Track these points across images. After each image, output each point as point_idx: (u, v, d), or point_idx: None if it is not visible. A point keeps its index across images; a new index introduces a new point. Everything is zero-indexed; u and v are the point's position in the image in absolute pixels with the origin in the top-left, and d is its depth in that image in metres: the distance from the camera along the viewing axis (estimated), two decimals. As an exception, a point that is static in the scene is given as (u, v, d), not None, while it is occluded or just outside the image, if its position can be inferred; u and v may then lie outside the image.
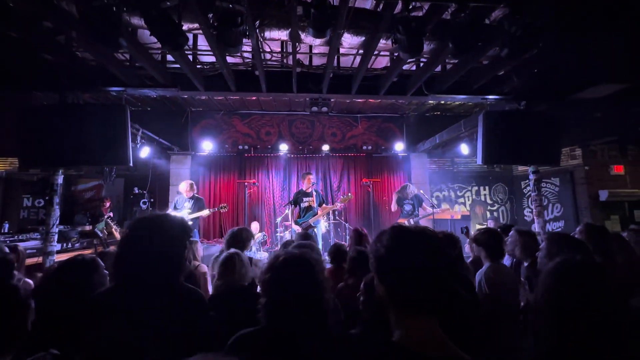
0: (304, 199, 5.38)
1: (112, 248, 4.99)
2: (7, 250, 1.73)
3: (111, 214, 6.12)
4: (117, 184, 7.28)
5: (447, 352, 0.75)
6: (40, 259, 3.55)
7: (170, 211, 5.26)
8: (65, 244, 4.29)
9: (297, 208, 5.34)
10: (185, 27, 2.96)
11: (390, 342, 0.77)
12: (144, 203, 6.58)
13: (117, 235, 5.13)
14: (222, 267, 1.98)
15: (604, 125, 5.97)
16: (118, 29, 2.14)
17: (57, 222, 3.61)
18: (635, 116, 5.50)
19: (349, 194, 6.04)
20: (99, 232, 4.49)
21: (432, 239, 0.81)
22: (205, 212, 5.42)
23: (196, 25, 2.78)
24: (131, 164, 3.65)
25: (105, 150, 3.53)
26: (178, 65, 3.63)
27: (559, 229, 7.89)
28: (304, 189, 5.41)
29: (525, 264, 2.43)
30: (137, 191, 6.68)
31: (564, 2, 2.77)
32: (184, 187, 5.48)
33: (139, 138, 5.42)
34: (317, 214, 5.31)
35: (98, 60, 3.43)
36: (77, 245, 4.41)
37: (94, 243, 4.60)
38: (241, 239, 2.61)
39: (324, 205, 5.46)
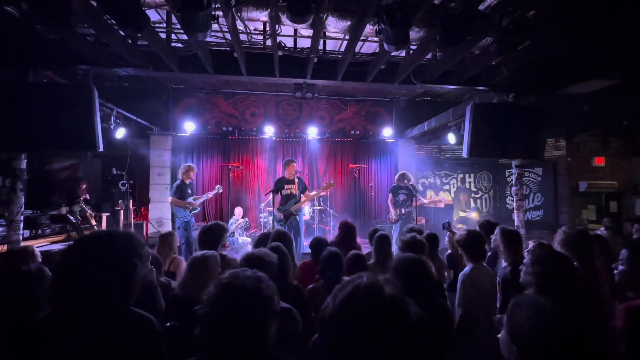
0: (286, 186, 5.23)
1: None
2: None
3: (87, 196, 5.89)
4: (94, 164, 6.99)
5: None
6: (4, 248, 3.39)
7: (174, 199, 5.16)
8: (35, 230, 4.11)
9: (278, 195, 5.20)
10: (152, 1, 2.69)
11: None
12: (123, 185, 6.34)
13: (93, 221, 4.96)
14: (189, 273, 1.87)
15: (590, 119, 5.98)
16: (68, 4, 1.89)
17: (22, 209, 3.41)
18: (621, 111, 5.51)
19: (331, 182, 5.94)
20: (71, 218, 4.30)
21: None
22: (209, 195, 5.48)
23: (163, 0, 2.52)
24: (100, 149, 3.43)
25: (71, 133, 3.29)
26: (147, 43, 3.34)
27: (538, 218, 8.11)
28: (287, 175, 5.27)
29: (504, 264, 2.41)
30: (115, 172, 6.42)
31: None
32: (183, 171, 5.37)
33: (112, 118, 5.11)
34: (299, 201, 5.22)
35: (58, 36, 3.11)
36: (47, 231, 4.24)
37: (66, 229, 4.42)
38: (214, 235, 2.50)
39: (306, 192, 5.35)
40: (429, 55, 4.06)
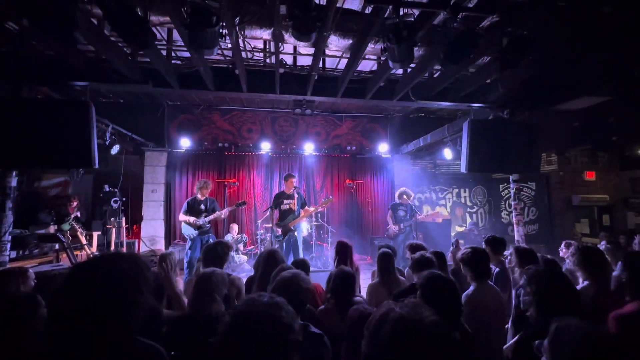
0: (285, 202, 5.17)
1: (78, 253, 4.63)
2: None
3: (78, 214, 5.70)
4: (85, 180, 6.79)
5: None
6: (-10, 270, 3.20)
7: (182, 216, 4.85)
8: (22, 251, 3.91)
9: (277, 211, 5.12)
10: (156, 19, 2.69)
11: None
12: (115, 202, 6.17)
13: (83, 240, 4.76)
14: (195, 291, 1.79)
15: (580, 134, 6.14)
16: (73, 21, 1.86)
17: (10, 228, 3.26)
18: (610, 126, 5.69)
19: (330, 197, 5.89)
20: (61, 237, 4.12)
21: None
22: (224, 212, 5.02)
23: (167, 18, 2.52)
24: (96, 166, 3.33)
25: (66, 150, 3.20)
26: (149, 60, 3.33)
27: (534, 232, 8.16)
28: (286, 190, 5.21)
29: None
30: (107, 189, 6.25)
31: (553, 16, 2.72)
32: (197, 187, 5.02)
33: (108, 134, 5.03)
34: (298, 217, 5.14)
35: (56, 52, 3.08)
36: (35, 251, 4.04)
37: (55, 249, 4.23)
38: (217, 255, 2.41)
39: (306, 207, 5.28)
40: (426, 74, 4.15)
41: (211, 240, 4.79)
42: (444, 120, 6.97)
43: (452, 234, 7.78)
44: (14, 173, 3.34)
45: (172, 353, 1.43)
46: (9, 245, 3.26)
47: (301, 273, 1.72)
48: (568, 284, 1.61)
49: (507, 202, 8.46)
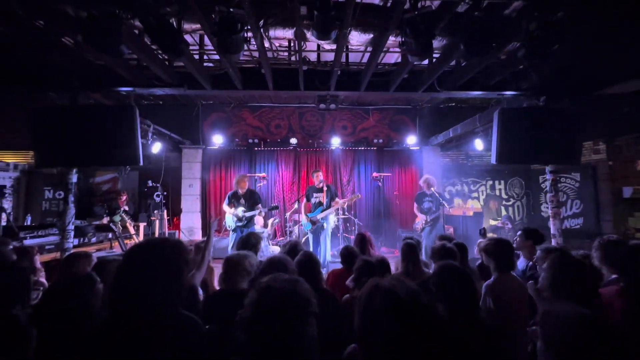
0: (314, 195, 5.46)
1: (128, 242, 5.17)
2: (14, 257, 1.79)
3: (126, 207, 6.30)
4: (132, 176, 7.47)
5: None
6: (58, 255, 3.71)
7: (224, 207, 5.16)
8: (82, 239, 4.46)
9: (309, 203, 5.46)
10: (189, 27, 2.92)
11: None
12: (157, 196, 6.73)
13: (131, 230, 5.29)
14: (225, 269, 1.99)
15: (632, 120, 5.60)
16: (119, 36, 2.12)
17: (73, 219, 3.74)
18: (667, 110, 5.13)
19: (358, 194, 6.05)
20: (113, 227, 4.63)
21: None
22: (261, 212, 5.16)
23: (199, 25, 2.73)
24: (141, 163, 3.70)
25: (115, 150, 3.60)
26: (183, 64, 3.60)
27: (577, 226, 7.61)
28: (316, 185, 5.48)
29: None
30: (150, 184, 6.83)
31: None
32: (235, 181, 5.28)
33: (150, 134, 5.49)
34: (326, 209, 5.35)
35: (106, 62, 3.45)
36: (93, 239, 4.58)
37: (109, 237, 4.76)
38: (250, 244, 2.62)
39: (335, 199, 5.49)
40: (453, 62, 4.04)
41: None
42: (476, 109, 6.68)
43: (487, 227, 7.49)
44: (74, 171, 3.81)
45: (207, 327, 1.64)
46: (72, 234, 3.75)
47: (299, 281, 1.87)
48: (583, 272, 1.59)
49: (547, 194, 7.95)
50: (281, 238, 7.19)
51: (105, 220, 5.83)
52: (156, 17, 2.07)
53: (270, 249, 6.24)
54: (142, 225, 5.97)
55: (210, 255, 2.32)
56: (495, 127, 3.95)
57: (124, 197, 6.49)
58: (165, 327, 1.15)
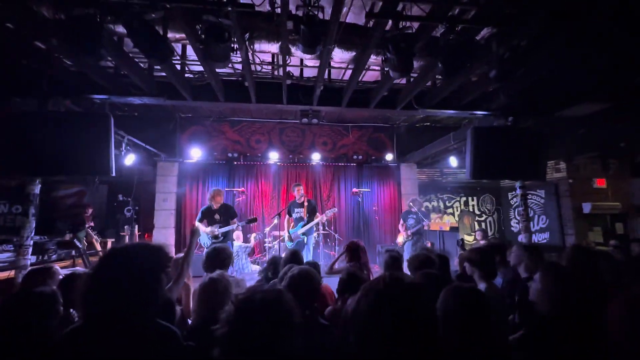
0: (296, 210, 5.43)
1: (93, 259, 4.80)
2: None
3: (92, 223, 5.90)
4: (101, 190, 7.06)
5: None
6: (12, 273, 3.37)
7: (196, 223, 4.87)
8: (41, 256, 4.09)
9: (292, 218, 5.41)
10: (172, 36, 2.90)
11: None
12: (128, 211, 6.38)
13: (98, 247, 4.94)
14: (200, 296, 1.83)
15: (587, 141, 6.13)
16: (99, 39, 2.06)
17: (32, 234, 3.44)
18: (617, 133, 5.67)
19: (335, 209, 6.17)
20: (78, 243, 4.30)
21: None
22: (236, 226, 4.90)
23: (184, 35, 2.72)
24: (113, 174, 3.52)
25: (86, 159, 3.40)
26: (165, 74, 3.54)
27: (544, 240, 8.03)
28: (297, 200, 5.46)
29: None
30: (121, 198, 6.48)
31: (551, 24, 2.82)
32: (208, 196, 5.03)
33: (124, 145, 5.27)
34: (306, 224, 5.31)
35: (80, 67, 3.32)
36: (54, 256, 4.22)
37: (72, 254, 4.40)
38: (219, 259, 2.46)
39: (314, 215, 5.47)
40: (429, 83, 4.27)
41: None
42: (450, 129, 7.04)
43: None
44: (37, 181, 3.54)
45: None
46: (30, 250, 3.43)
47: (311, 269, 1.80)
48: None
49: (516, 210, 8.39)
50: (259, 255, 6.99)
51: (68, 237, 5.41)
52: (141, 23, 2.04)
53: (251, 268, 6.03)
54: (110, 241, 5.59)
55: (189, 268, 2.18)
56: (469, 144, 4.16)
57: (90, 211, 6.09)
58: (141, 336, 1.06)
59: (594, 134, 5.74)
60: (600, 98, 3.86)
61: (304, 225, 5.29)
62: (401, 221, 5.99)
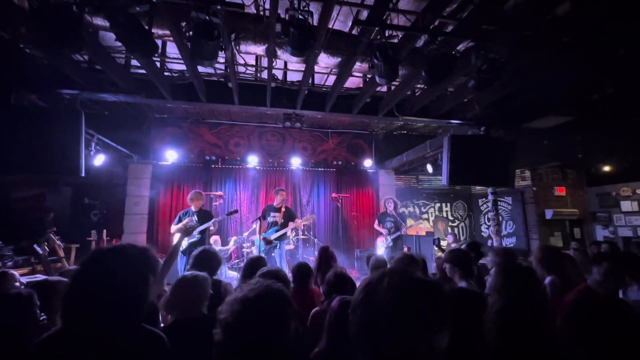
0: (272, 214, 5.27)
1: (55, 266, 4.44)
2: None
3: (54, 228, 5.47)
4: (64, 192, 6.58)
5: None
6: (-39, 283, 3.03)
7: (173, 227, 4.68)
8: (-5, 263, 3.73)
9: (265, 222, 5.23)
10: (154, 32, 2.79)
11: None
12: (95, 215, 6.01)
13: (61, 252, 4.58)
14: (176, 293, 1.76)
15: (550, 152, 6.60)
16: (77, 31, 1.94)
17: (-13, 239, 3.13)
18: (576, 145, 6.16)
19: (313, 215, 6.17)
20: (38, 249, 3.96)
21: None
22: (212, 222, 4.74)
23: (167, 32, 2.64)
24: (83, 174, 3.31)
25: (53, 158, 3.17)
26: (143, 71, 3.40)
27: (512, 244, 8.50)
28: (275, 204, 5.31)
29: None
30: (87, 202, 6.09)
31: (519, 43, 3.04)
32: (188, 198, 4.86)
33: (93, 145, 4.97)
34: (279, 230, 5.19)
35: (50, 60, 3.11)
36: (9, 263, 3.85)
37: (31, 261, 4.05)
38: (210, 266, 2.36)
39: (290, 222, 5.33)
40: (408, 92, 4.43)
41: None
42: (426, 137, 7.33)
43: (435, 249, 7.98)
44: (-6, 181, 3.24)
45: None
46: (-17, 256, 3.12)
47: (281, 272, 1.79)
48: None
49: (486, 216, 8.83)
50: (236, 261, 6.80)
51: (25, 243, 4.97)
52: (126, 16, 1.95)
53: (228, 274, 5.84)
54: (74, 247, 5.21)
55: (169, 270, 2.08)
56: (446, 152, 4.34)
57: (52, 216, 5.64)
58: (128, 342, 1.00)
59: (556, 145, 6.20)
60: (564, 112, 4.19)
61: (278, 230, 5.17)
62: (377, 222, 6.01)
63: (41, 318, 1.36)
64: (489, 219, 5.58)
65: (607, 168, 7.32)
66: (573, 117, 4.38)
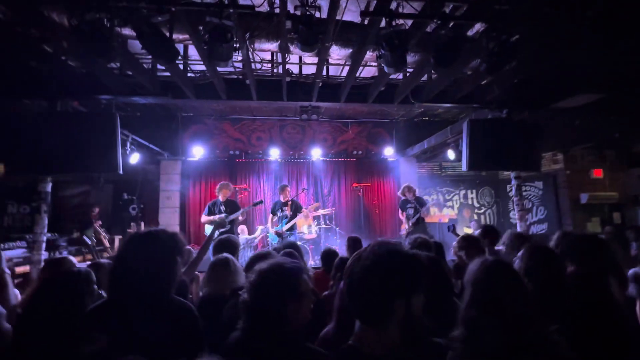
0: (282, 208, 5.71)
1: (105, 256, 4.96)
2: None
3: (99, 221, 6.05)
4: (106, 189, 7.20)
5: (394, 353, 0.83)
6: (27, 268, 3.52)
7: (204, 217, 5.11)
8: (52, 252, 4.24)
9: (276, 217, 5.65)
10: (176, 37, 3.01)
11: (347, 345, 0.86)
12: (134, 209, 6.54)
13: (106, 243, 5.09)
14: (211, 272, 2.01)
15: (583, 132, 6.22)
16: (110, 42, 2.18)
17: (45, 230, 3.58)
18: (611, 123, 5.76)
19: (318, 203, 6.41)
20: (87, 240, 4.45)
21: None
22: (240, 212, 5.10)
23: (187, 36, 2.84)
24: (121, 171, 3.66)
25: (94, 157, 3.54)
26: (168, 73, 3.67)
27: (543, 231, 8.15)
28: (282, 199, 5.66)
29: None
30: (126, 197, 6.63)
31: (540, 19, 2.92)
32: (217, 189, 5.21)
33: (128, 144, 5.39)
34: (289, 221, 5.53)
35: (88, 69, 3.44)
36: (64, 253, 4.37)
37: (82, 251, 4.56)
38: (230, 248, 2.61)
39: (298, 213, 5.68)
40: (425, 77, 4.38)
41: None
42: (448, 122, 7.13)
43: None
44: (49, 179, 3.68)
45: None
46: (44, 246, 3.58)
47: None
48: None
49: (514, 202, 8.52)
50: (263, 249, 7.13)
51: (75, 235, 5.57)
52: (149, 25, 2.16)
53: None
54: (117, 238, 5.75)
55: (203, 257, 2.33)
56: (465, 137, 4.27)
57: (97, 210, 6.23)
58: (162, 310, 1.20)
59: (589, 124, 5.83)
60: (594, 89, 3.96)
61: (288, 221, 5.52)
62: (399, 211, 6.06)
63: (99, 292, 1.61)
64: (515, 206, 5.39)
65: (649, 147, 6.77)
66: (604, 95, 4.11)
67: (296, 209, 5.67)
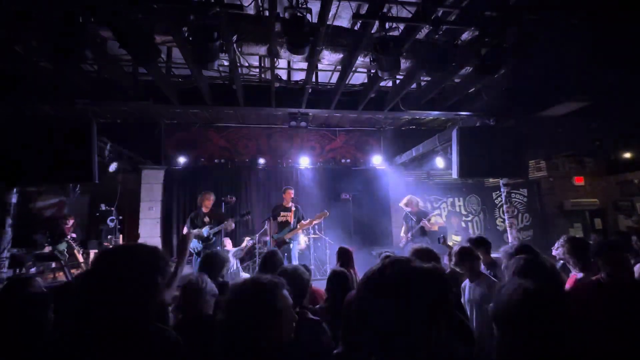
0: (282, 214, 5.29)
1: (75, 271, 4.59)
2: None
3: (74, 235, 5.66)
4: (82, 200, 6.81)
5: None
6: (-13, 288, 3.17)
7: (185, 230, 4.77)
8: (18, 269, 3.89)
9: (274, 222, 5.25)
10: (158, 39, 2.85)
11: None
12: (112, 221, 6.16)
13: (80, 258, 4.73)
14: (182, 297, 1.84)
15: (565, 140, 6.39)
16: (83, 41, 2.00)
17: (9, 245, 3.27)
18: (591, 132, 5.93)
19: (325, 211, 5.99)
20: (59, 255, 4.11)
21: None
22: (229, 223, 4.80)
23: (170, 37, 2.69)
24: (97, 181, 3.40)
25: (68, 166, 3.27)
26: (151, 78, 3.48)
27: (528, 238, 8.25)
28: (284, 203, 5.32)
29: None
30: (103, 208, 6.26)
31: (526, 28, 2.95)
32: (202, 200, 4.90)
33: (107, 152, 5.11)
34: (293, 229, 5.20)
35: (60, 71, 3.22)
36: (32, 270, 4.01)
37: (52, 267, 4.20)
38: (216, 266, 2.43)
39: (302, 221, 5.35)
40: (414, 85, 4.37)
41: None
42: (435, 131, 7.18)
43: (450, 243, 7.83)
44: (14, 190, 3.38)
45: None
46: (7, 263, 3.26)
47: (300, 268, 1.81)
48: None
49: (500, 209, 8.60)
50: (250, 261, 6.86)
51: (47, 249, 5.17)
52: (127, 23, 2.01)
53: (242, 274, 5.89)
54: (92, 252, 5.38)
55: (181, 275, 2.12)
56: (455, 144, 4.26)
57: (71, 222, 5.84)
58: (139, 340, 1.02)
59: (571, 133, 5.98)
60: (577, 97, 4.04)
61: (291, 230, 5.19)
62: (403, 226, 5.76)
63: (57, 319, 1.41)
64: (503, 212, 5.43)
65: (627, 155, 7.02)
66: (587, 103, 4.21)
67: (300, 218, 5.33)
